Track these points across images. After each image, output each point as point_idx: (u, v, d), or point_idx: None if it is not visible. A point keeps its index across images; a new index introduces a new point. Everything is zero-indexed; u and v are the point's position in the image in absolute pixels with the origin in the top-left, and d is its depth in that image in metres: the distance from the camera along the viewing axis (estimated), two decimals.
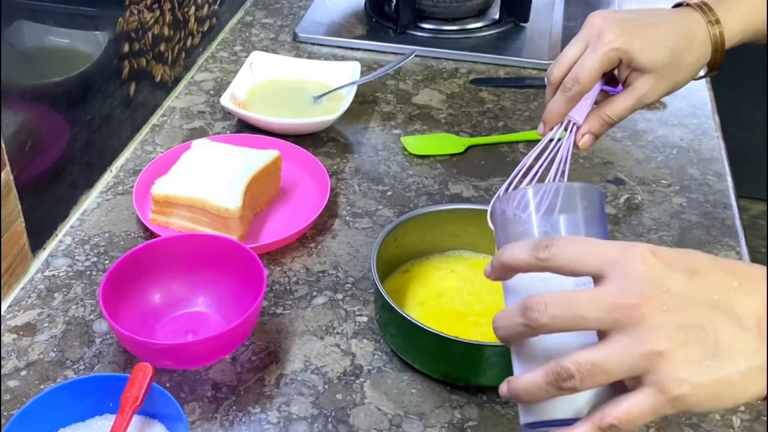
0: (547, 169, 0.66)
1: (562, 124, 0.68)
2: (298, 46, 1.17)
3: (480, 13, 1.24)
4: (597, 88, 0.68)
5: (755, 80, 1.89)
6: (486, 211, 0.59)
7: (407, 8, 1.19)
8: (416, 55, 1.14)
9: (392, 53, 1.13)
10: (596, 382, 0.42)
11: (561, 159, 0.66)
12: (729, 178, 0.93)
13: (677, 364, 0.41)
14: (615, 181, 0.91)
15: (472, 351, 0.63)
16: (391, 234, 0.73)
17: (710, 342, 0.41)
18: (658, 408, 0.41)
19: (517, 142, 0.97)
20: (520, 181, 0.65)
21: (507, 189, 0.65)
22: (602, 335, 0.42)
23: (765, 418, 0.64)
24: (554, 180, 0.66)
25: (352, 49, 1.16)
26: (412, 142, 0.96)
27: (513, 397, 0.45)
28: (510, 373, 0.54)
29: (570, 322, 0.42)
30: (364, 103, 1.04)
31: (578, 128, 0.68)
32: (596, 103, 0.69)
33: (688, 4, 0.69)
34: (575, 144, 0.68)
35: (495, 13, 1.24)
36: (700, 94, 1.08)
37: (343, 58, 1.12)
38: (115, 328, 0.64)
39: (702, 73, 0.71)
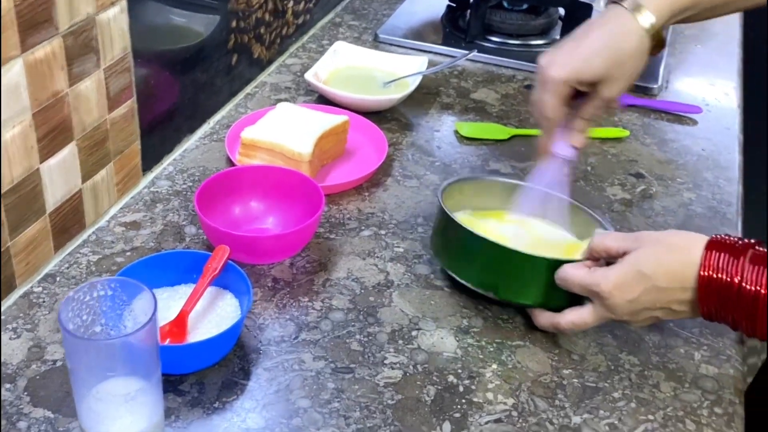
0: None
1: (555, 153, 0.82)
2: (378, 45, 1.34)
3: (543, 32, 1.39)
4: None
5: None
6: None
7: (477, 21, 1.35)
8: (480, 62, 1.30)
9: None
10: None
11: (559, 182, 0.82)
12: (739, 185, 1.04)
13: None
14: (636, 175, 1.04)
15: (504, 255, 0.74)
16: (457, 183, 0.85)
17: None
18: None
19: None
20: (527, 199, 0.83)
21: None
22: None
23: (723, 357, 0.76)
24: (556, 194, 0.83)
25: (424, 51, 1.33)
26: (464, 126, 1.12)
27: None
28: (536, 292, 0.75)
29: None
30: (428, 94, 1.20)
31: (565, 158, 0.82)
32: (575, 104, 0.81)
33: (613, 1, 0.78)
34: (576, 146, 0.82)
35: (556, 34, 1.39)
36: (729, 116, 1.20)
37: None
38: (203, 220, 0.81)
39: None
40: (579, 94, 0.80)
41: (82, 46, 0.78)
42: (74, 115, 0.79)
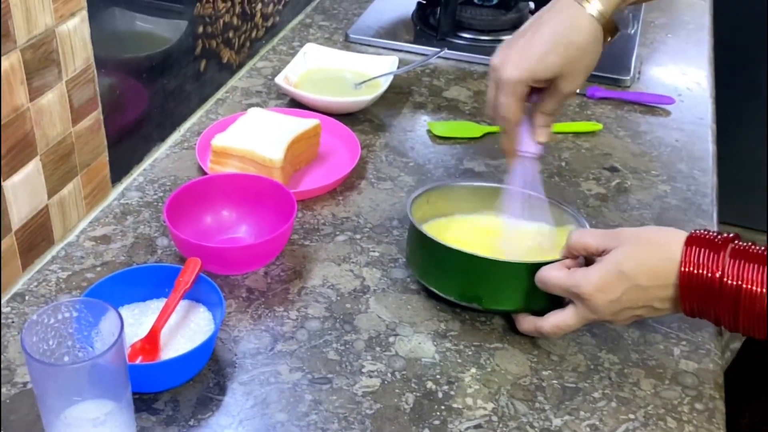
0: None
1: (521, 152, 0.80)
2: (348, 46, 1.33)
3: (514, 27, 1.37)
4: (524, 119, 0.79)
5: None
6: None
7: (448, 18, 1.34)
8: (452, 59, 1.29)
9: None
10: None
11: (532, 180, 0.81)
12: (713, 176, 1.04)
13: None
14: (610, 169, 1.04)
15: (485, 267, 0.73)
16: (424, 194, 0.84)
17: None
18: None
19: None
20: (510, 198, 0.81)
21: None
22: None
23: (702, 351, 0.76)
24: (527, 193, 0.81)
25: (395, 50, 1.31)
26: (437, 125, 1.11)
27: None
28: (519, 297, 0.74)
29: None
30: (400, 93, 1.19)
31: (532, 156, 0.80)
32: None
33: None
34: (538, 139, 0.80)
35: None
36: (702, 105, 1.20)
37: None
38: (173, 233, 0.79)
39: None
40: (536, 89, 0.79)
41: (42, 60, 0.76)
42: (37, 129, 0.78)
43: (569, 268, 0.71)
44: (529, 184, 0.81)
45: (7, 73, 0.72)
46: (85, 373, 0.55)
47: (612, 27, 0.76)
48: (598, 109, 1.17)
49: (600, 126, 1.12)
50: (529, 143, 0.80)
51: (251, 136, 0.97)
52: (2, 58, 0.71)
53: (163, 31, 1.00)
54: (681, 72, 1.28)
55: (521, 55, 0.75)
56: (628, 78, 1.23)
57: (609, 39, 0.77)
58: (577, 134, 1.11)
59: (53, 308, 0.58)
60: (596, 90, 1.20)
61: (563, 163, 1.05)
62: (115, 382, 0.58)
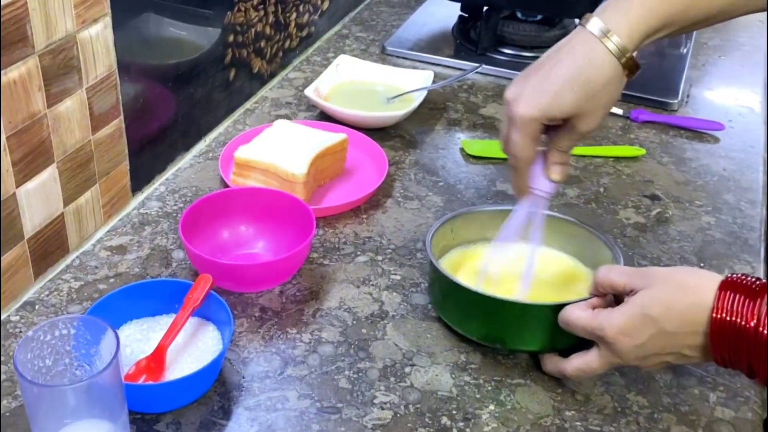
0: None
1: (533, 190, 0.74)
2: (385, 58, 1.30)
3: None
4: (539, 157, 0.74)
5: None
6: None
7: (489, 33, 1.30)
8: (491, 75, 1.25)
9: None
10: None
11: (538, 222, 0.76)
12: (763, 209, 0.98)
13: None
14: (651, 197, 0.99)
15: (508, 309, 0.70)
16: (447, 223, 0.80)
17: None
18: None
19: None
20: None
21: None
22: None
23: (740, 398, 0.71)
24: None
25: (432, 64, 1.28)
26: (471, 144, 1.07)
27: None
28: (544, 337, 0.71)
29: None
30: (434, 109, 1.16)
31: (544, 195, 0.75)
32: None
33: (581, 25, 0.71)
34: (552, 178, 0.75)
35: None
36: (754, 132, 1.14)
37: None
38: (188, 248, 0.77)
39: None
40: (552, 125, 0.73)
41: (61, 66, 0.74)
42: (54, 136, 0.76)
43: (595, 308, 0.66)
44: (533, 223, 0.76)
45: (23, 79, 0.70)
46: (78, 394, 0.53)
47: (632, 64, 0.70)
48: (641, 133, 1.12)
49: (643, 151, 1.07)
50: (542, 181, 0.74)
51: (275, 149, 0.94)
52: (19, 63, 0.69)
53: (192, 38, 0.98)
54: (733, 96, 1.22)
55: (535, 91, 0.70)
56: (676, 101, 1.18)
57: (630, 76, 0.71)
58: (618, 159, 1.06)
59: (50, 325, 0.55)
60: (641, 113, 1.15)
61: (601, 189, 1.00)
62: (110, 403, 0.55)
